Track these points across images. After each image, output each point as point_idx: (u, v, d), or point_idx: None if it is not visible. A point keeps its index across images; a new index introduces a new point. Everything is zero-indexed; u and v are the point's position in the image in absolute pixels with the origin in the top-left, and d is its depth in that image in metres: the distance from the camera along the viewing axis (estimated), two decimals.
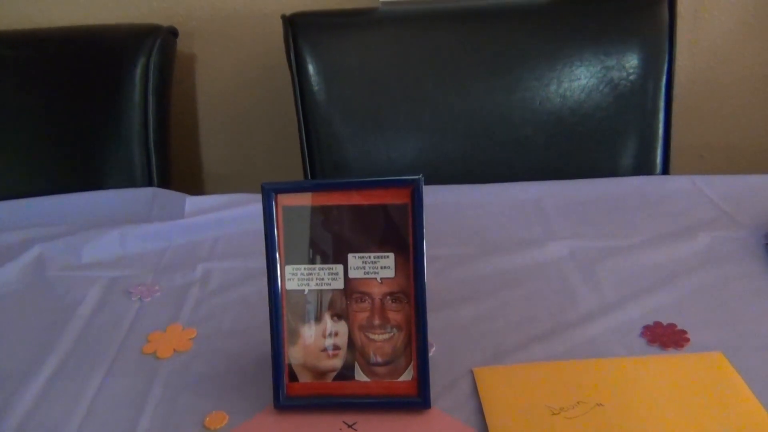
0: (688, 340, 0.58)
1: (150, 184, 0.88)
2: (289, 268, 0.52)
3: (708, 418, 0.50)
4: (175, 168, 0.96)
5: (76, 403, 0.54)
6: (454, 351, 0.58)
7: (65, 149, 0.89)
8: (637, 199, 0.82)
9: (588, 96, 0.89)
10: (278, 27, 0.95)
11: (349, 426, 0.50)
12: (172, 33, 0.97)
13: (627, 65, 0.88)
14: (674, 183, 0.87)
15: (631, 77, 0.87)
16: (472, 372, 0.55)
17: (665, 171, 0.93)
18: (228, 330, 0.62)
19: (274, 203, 0.52)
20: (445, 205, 0.80)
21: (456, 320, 0.62)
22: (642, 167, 0.91)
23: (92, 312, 0.65)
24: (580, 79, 0.88)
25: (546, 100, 0.89)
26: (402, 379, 0.52)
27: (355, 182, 0.52)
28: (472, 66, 0.92)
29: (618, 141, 0.90)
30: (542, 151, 0.90)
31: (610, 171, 0.89)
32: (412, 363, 0.52)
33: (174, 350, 0.59)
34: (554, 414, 0.51)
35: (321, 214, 0.52)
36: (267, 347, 0.52)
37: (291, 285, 0.52)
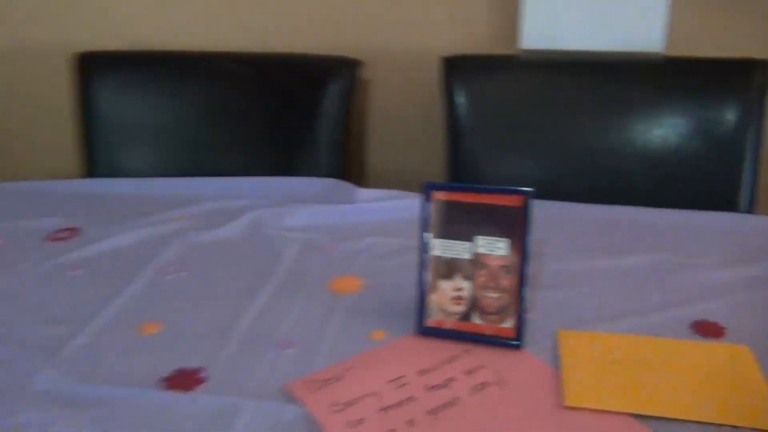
0: (724, 334, 0.78)
1: (331, 176, 1.17)
2: (436, 242, 0.77)
3: (717, 386, 0.69)
4: (349, 167, 1.25)
5: (284, 316, 0.82)
6: (545, 317, 0.80)
7: (273, 145, 1.21)
8: (718, 230, 1.00)
9: (686, 141, 1.08)
10: (437, 64, 1.21)
11: (465, 351, 0.75)
12: (358, 63, 1.25)
13: (722, 118, 1.06)
14: (754, 221, 1.04)
15: (725, 129, 1.05)
16: (556, 333, 0.78)
17: (749, 212, 1.10)
18: (388, 282, 0.88)
19: (430, 196, 0.77)
20: (552, 217, 1.02)
21: (549, 297, 0.84)
22: (728, 207, 1.08)
23: (292, 260, 0.94)
24: (679, 126, 1.07)
25: (649, 141, 1.09)
26: (505, 325, 0.75)
27: (487, 188, 0.77)
28: (590, 108, 1.14)
29: (708, 182, 1.08)
30: (640, 181, 1.10)
31: (699, 207, 1.07)
32: (513, 316, 0.75)
33: (349, 290, 0.86)
34: (611, 363, 0.72)
35: (462, 207, 0.77)
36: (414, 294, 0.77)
37: (436, 253, 0.77)
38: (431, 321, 0.77)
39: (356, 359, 0.73)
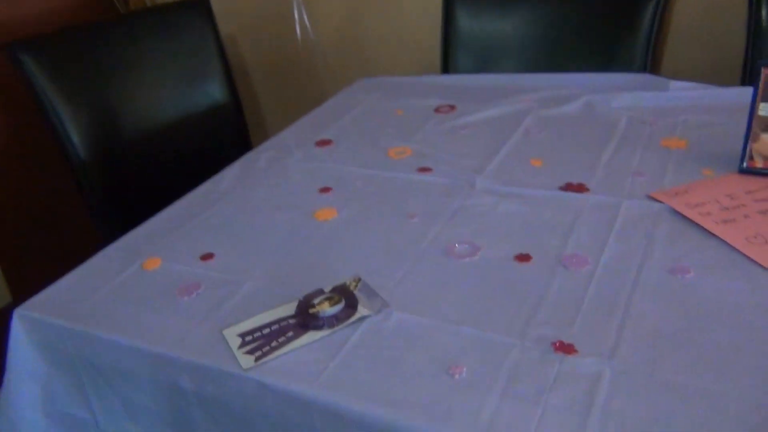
0: None
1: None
2: (761, 104, 1.03)
3: None
4: (654, 63, 1.54)
5: (629, 162, 1.13)
6: None
7: (595, 45, 1.53)
8: None
9: None
10: None
11: None
12: None
13: None
14: None
15: None
16: None
17: None
18: (708, 143, 1.16)
19: (761, 71, 1.03)
20: None
21: None
22: None
23: (623, 128, 1.25)
24: None
25: None
26: None
27: None
28: None
29: None
30: None
31: None
32: None
33: (677, 146, 1.16)
34: None
35: None
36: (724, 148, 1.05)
37: (760, 113, 1.04)
38: (752, 162, 1.05)
39: (693, 184, 1.03)
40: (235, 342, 0.79)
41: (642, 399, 0.67)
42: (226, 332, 0.81)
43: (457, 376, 0.72)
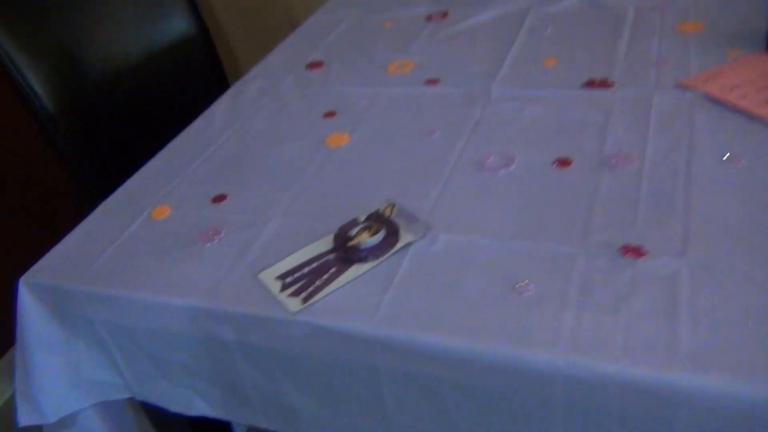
0: None
1: None
2: None
3: None
4: None
5: (648, 50, 1.07)
6: None
7: None
8: None
9: None
10: None
11: None
12: None
13: None
14: None
15: None
16: None
17: None
18: (727, 25, 1.09)
19: None
20: None
21: None
22: None
23: (633, 17, 1.18)
24: None
25: None
26: None
27: None
28: None
29: None
30: None
31: None
32: None
33: (694, 31, 1.10)
34: None
35: None
36: None
37: None
38: None
39: (723, 67, 0.98)
40: (274, 285, 0.73)
41: (727, 294, 0.63)
42: (263, 276, 0.75)
43: (525, 294, 0.67)
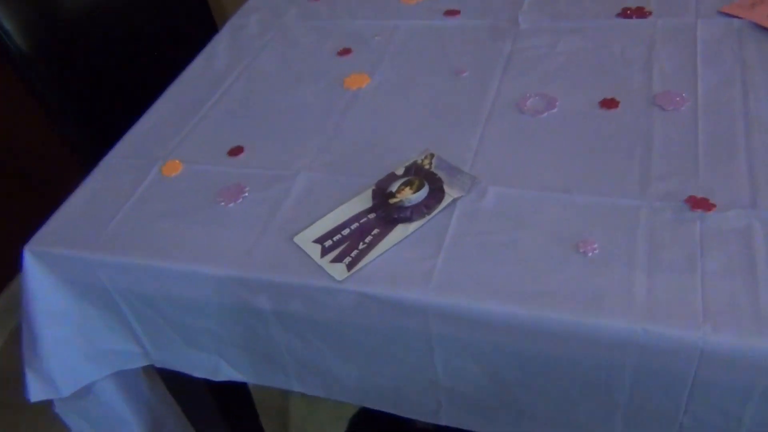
0: None
1: None
2: None
3: None
4: None
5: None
6: None
7: None
8: None
9: None
10: None
11: None
12: None
13: None
14: None
15: None
16: None
17: None
18: None
19: None
20: None
21: None
22: None
23: None
24: None
25: None
26: None
27: None
28: None
29: None
30: None
31: None
32: None
33: None
34: None
35: None
36: None
37: None
38: None
39: None
40: (314, 250, 0.68)
41: None
42: (299, 239, 0.69)
43: (590, 254, 0.63)
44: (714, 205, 0.64)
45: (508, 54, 0.90)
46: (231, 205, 0.75)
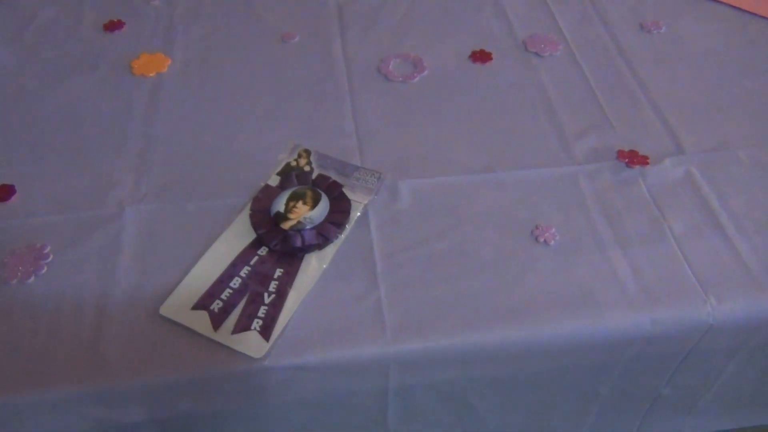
0: None
1: None
2: None
3: None
4: None
5: None
6: None
7: None
8: None
9: None
10: None
11: None
12: None
13: None
14: None
15: None
16: None
17: None
18: None
19: None
20: None
21: None
22: None
23: None
24: None
25: None
26: None
27: None
28: None
29: None
30: None
31: None
32: None
33: None
34: None
35: None
36: None
37: None
38: None
39: None
40: (198, 321, 0.46)
41: (745, 180, 0.56)
42: (167, 311, 0.46)
43: (551, 242, 0.51)
44: (647, 157, 0.58)
45: (337, 8, 0.73)
46: (30, 280, 0.49)
